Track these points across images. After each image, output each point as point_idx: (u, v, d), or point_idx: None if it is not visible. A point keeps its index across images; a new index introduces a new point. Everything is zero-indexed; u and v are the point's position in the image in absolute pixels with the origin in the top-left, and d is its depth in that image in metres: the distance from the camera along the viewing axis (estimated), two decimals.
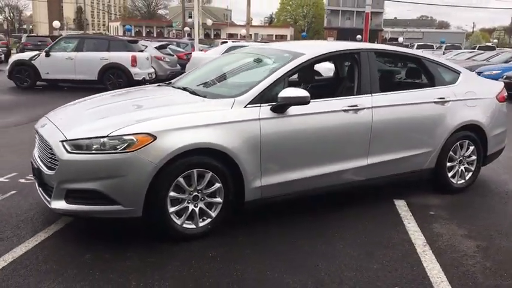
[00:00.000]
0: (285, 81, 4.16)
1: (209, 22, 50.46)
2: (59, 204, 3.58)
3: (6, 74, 14.45)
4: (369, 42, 21.93)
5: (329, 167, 4.30)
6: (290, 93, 3.94)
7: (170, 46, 19.38)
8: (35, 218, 4.18)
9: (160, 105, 4.12)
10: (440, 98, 4.92)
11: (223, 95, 4.11)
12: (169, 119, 3.68)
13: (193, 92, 4.37)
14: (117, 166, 3.44)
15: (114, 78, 13.95)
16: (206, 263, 3.41)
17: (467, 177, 5.26)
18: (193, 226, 3.78)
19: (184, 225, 3.74)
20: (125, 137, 3.45)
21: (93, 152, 3.46)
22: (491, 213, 4.67)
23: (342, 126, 4.32)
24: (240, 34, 50.61)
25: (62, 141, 3.56)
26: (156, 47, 17.08)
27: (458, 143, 5.09)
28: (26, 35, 36.87)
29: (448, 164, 5.08)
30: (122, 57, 13.98)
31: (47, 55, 14.05)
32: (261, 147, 3.89)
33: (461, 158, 5.17)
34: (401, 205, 4.77)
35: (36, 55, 14.23)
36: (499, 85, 5.67)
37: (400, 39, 52.92)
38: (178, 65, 17.47)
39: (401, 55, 5.38)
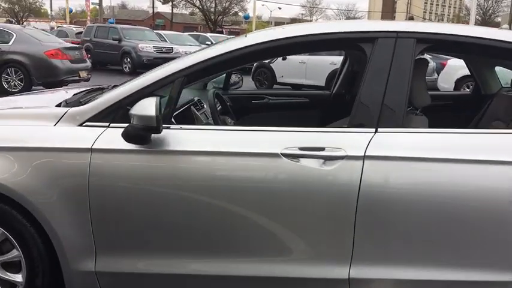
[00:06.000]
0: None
1: None
2: None
3: (251, 75, 14.72)
4: None
5: (243, 263, 2.14)
6: (136, 111, 2.03)
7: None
8: None
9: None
10: None
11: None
12: None
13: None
14: None
15: None
16: None
17: None
18: None
19: None
20: None
21: None
22: None
23: (276, 186, 2.08)
24: None
25: None
26: None
27: None
28: None
29: None
30: None
31: (284, 58, 13.69)
32: (89, 200, 2.13)
33: None
34: None
35: (275, 58, 14.06)
36: None
37: None
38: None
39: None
